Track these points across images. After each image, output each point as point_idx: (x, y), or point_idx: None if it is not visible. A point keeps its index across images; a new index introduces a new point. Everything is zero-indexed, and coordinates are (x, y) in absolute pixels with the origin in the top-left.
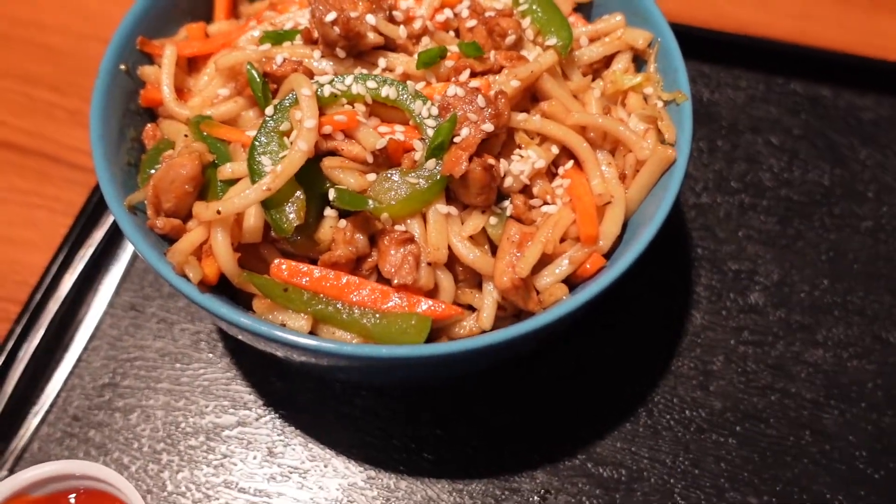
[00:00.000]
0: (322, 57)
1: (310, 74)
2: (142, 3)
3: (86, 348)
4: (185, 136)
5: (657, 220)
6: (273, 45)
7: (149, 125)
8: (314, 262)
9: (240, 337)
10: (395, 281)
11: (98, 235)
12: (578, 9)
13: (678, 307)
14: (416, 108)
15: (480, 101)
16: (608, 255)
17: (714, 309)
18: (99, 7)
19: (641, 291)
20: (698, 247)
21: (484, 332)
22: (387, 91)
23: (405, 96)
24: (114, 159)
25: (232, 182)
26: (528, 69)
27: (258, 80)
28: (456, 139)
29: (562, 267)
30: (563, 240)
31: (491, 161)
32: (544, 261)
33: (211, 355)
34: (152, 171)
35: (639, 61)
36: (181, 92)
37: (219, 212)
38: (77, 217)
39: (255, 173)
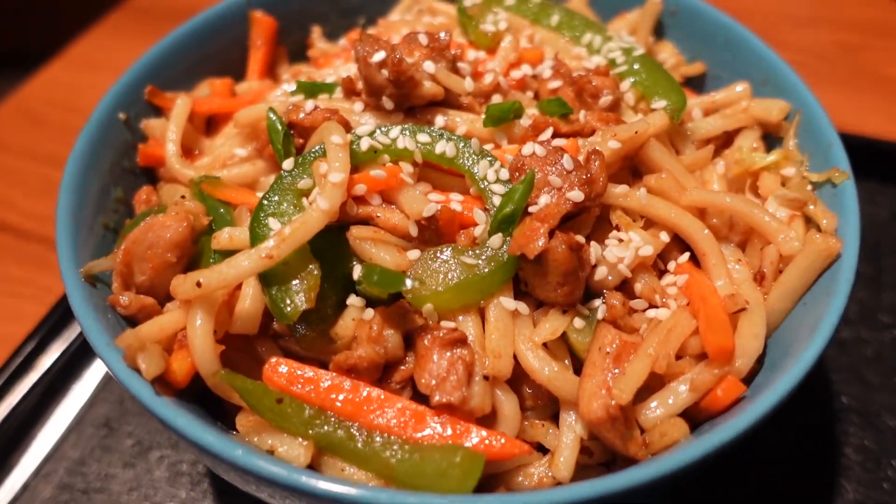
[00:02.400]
0: (364, 110)
1: (347, 127)
2: (159, 48)
3: (36, 473)
4: (182, 196)
5: (821, 337)
6: (307, 97)
7: (144, 188)
8: (327, 366)
9: (205, 462)
10: (437, 398)
11: (74, 331)
12: (688, 83)
13: (821, 472)
14: (480, 169)
15: (567, 162)
16: (746, 384)
17: (871, 480)
18: None
19: (773, 444)
20: (843, 394)
21: (559, 483)
22: (443, 147)
23: (466, 154)
24: (84, 216)
25: (229, 255)
26: (631, 128)
27: (279, 129)
28: (532, 209)
29: (679, 394)
30: (679, 356)
31: (579, 239)
32: (652, 385)
33: (192, 493)
34: None
35: (770, 140)
36: (191, 153)
37: (199, 284)
38: (54, 307)
39: (257, 238)
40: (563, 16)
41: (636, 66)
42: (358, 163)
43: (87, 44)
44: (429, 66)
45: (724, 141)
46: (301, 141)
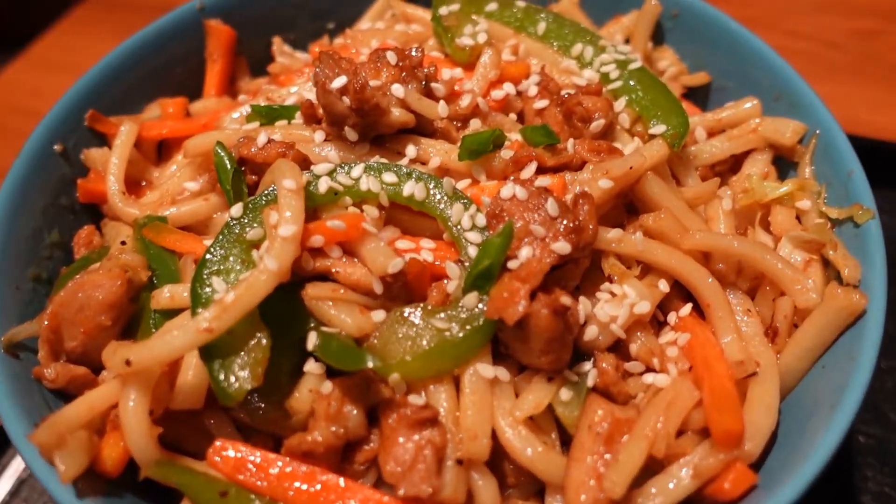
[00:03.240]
0: (326, 140)
1: (305, 162)
2: (103, 66)
3: None
4: (123, 242)
5: (844, 415)
6: (263, 123)
7: (85, 228)
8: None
9: None
10: (402, 491)
11: None
12: (690, 95)
13: None
14: (454, 214)
15: (551, 207)
16: (757, 465)
17: None
18: None
19: None
20: (860, 433)
21: None
22: (411, 188)
23: (438, 197)
24: (7, 270)
25: (172, 314)
26: (625, 164)
27: (228, 167)
28: (511, 263)
29: (680, 480)
30: (680, 432)
31: (565, 300)
32: (651, 467)
33: None
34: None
35: (783, 164)
36: (138, 186)
37: (128, 363)
38: None
39: (197, 301)
40: (551, 22)
41: (632, 83)
42: (316, 205)
43: (50, 42)
44: (397, 89)
45: (732, 164)
46: (254, 177)
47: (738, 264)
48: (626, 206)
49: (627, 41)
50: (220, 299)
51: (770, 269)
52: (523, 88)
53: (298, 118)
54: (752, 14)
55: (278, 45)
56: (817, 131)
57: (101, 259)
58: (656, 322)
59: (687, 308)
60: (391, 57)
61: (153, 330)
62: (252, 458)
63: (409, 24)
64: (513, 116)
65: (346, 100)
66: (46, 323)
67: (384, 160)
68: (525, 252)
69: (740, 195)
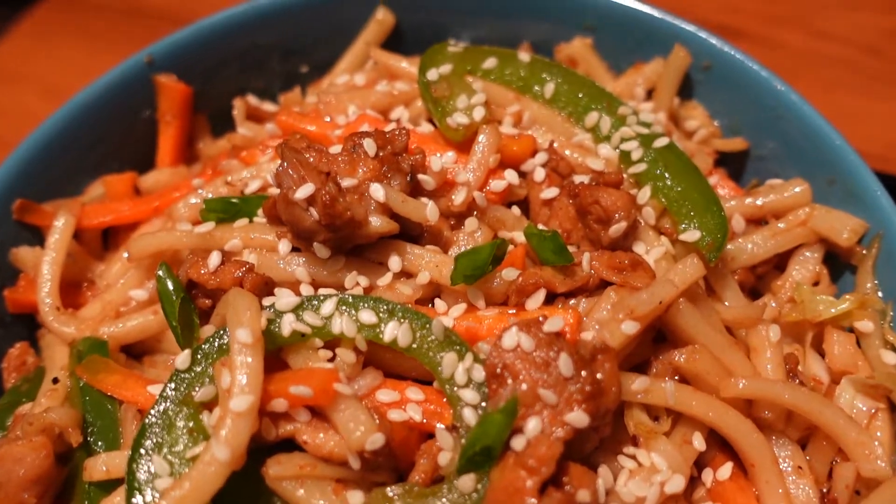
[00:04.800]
0: (293, 251)
1: (267, 286)
2: (32, 141)
3: None
4: (55, 381)
5: None
6: (219, 222)
7: (16, 346)
8: None
9: None
10: None
11: None
12: (723, 160)
13: None
14: (446, 366)
15: (564, 364)
16: None
17: None
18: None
19: None
20: None
21: None
22: (393, 332)
23: (426, 342)
24: None
25: (109, 486)
26: (652, 299)
27: (173, 298)
28: (516, 441)
29: None
30: None
31: (583, 497)
32: None
33: None
34: None
35: (835, 263)
36: (79, 290)
37: None
38: None
39: (133, 489)
40: (562, 82)
41: (659, 168)
42: (280, 346)
43: (6, 49)
44: (377, 191)
45: (777, 261)
46: (208, 302)
47: (788, 412)
48: (654, 334)
49: (650, 93)
50: (169, 495)
51: (829, 427)
52: (528, 169)
53: (260, 215)
54: (778, 12)
55: (239, 109)
56: (881, 232)
57: (33, 389)
58: (690, 478)
59: (727, 469)
60: (369, 146)
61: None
62: None
63: (392, 81)
64: (516, 210)
65: (313, 212)
66: None
67: (360, 280)
68: (533, 425)
69: (787, 305)
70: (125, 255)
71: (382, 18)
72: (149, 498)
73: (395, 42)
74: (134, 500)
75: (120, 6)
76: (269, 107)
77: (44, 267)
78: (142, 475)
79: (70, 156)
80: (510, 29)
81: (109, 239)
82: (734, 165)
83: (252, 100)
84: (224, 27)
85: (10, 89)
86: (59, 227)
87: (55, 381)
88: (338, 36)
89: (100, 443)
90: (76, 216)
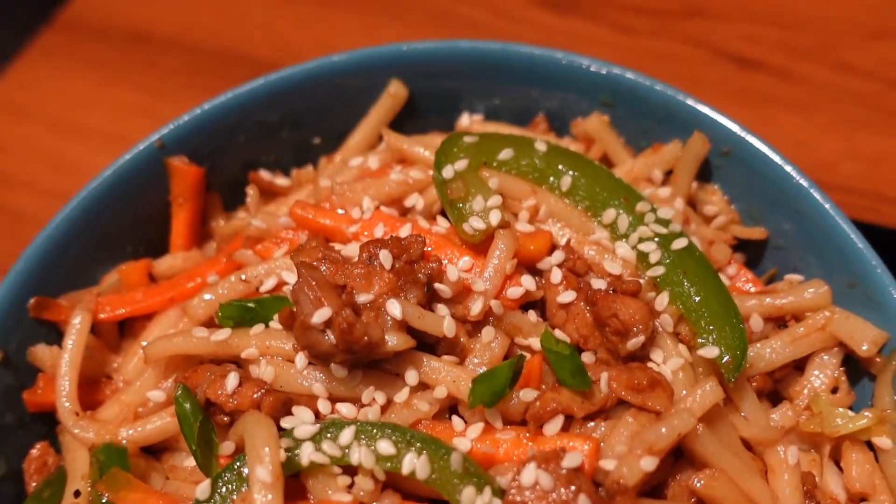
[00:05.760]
0: (310, 364)
1: (286, 404)
2: (44, 239)
3: None
4: (76, 494)
5: None
6: (234, 326)
7: (36, 447)
8: None
9: None
10: None
11: None
12: (741, 247)
13: None
14: (465, 498)
15: (583, 503)
16: None
17: None
18: (82, 157)
19: None
20: None
21: None
22: (412, 464)
23: (445, 475)
24: None
25: None
26: (672, 432)
27: (191, 421)
28: None
29: None
30: None
31: None
32: None
33: None
34: None
35: (854, 365)
36: (97, 386)
37: None
38: None
39: None
40: (579, 175)
41: (678, 274)
42: (298, 471)
43: (11, 80)
44: (394, 308)
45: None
46: (226, 419)
47: None
48: (672, 457)
49: (668, 175)
50: None
51: None
52: (545, 268)
53: (276, 321)
54: (799, 41)
55: (253, 198)
56: None
57: (56, 499)
58: None
59: None
60: (385, 258)
61: None
62: None
63: (406, 168)
64: (532, 315)
65: (330, 336)
66: None
67: (379, 394)
68: None
69: (805, 413)
70: (141, 351)
71: (395, 92)
72: None
73: (409, 111)
74: None
75: (125, 31)
76: (281, 181)
77: (62, 369)
78: None
79: (83, 246)
80: (526, 100)
81: (126, 328)
82: (752, 253)
83: (265, 175)
84: (233, 106)
85: (16, 124)
86: (76, 327)
87: (76, 494)
88: (350, 107)
89: None
90: (92, 311)
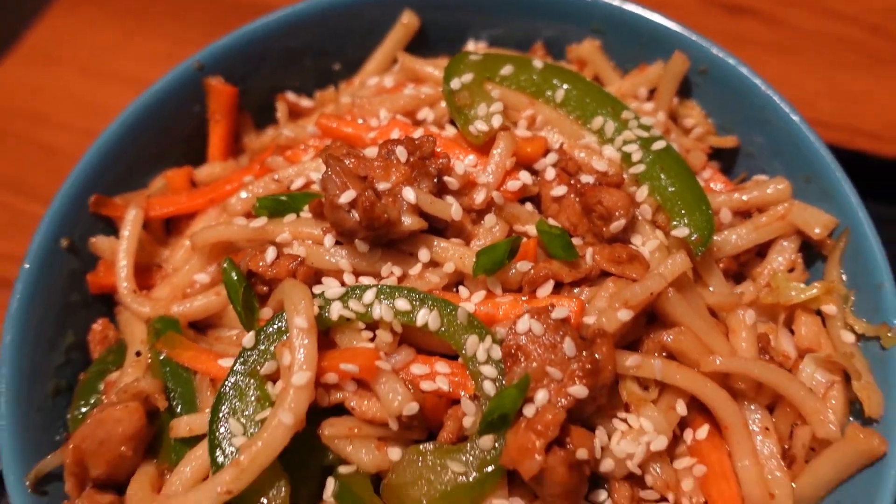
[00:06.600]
0: (336, 244)
1: (316, 276)
2: (100, 145)
3: None
4: (138, 353)
5: None
6: (270, 216)
7: (98, 322)
8: None
9: None
10: None
11: None
12: (716, 155)
13: None
14: (468, 347)
15: (568, 347)
16: None
17: None
18: (111, 100)
19: None
20: None
21: None
22: (424, 317)
23: (452, 327)
24: (30, 399)
25: (191, 441)
26: (644, 290)
27: (237, 287)
28: (527, 409)
29: None
30: None
31: (581, 454)
32: None
33: None
34: (85, 411)
35: (810, 252)
36: (149, 271)
37: None
38: None
39: (214, 444)
40: (571, 87)
41: (656, 170)
42: (329, 327)
43: (41, 32)
44: (409, 194)
45: (757, 249)
46: (265, 289)
47: (758, 383)
48: (647, 316)
49: (652, 92)
50: (237, 461)
51: (792, 397)
52: (540, 167)
53: (306, 211)
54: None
55: (282, 111)
56: (848, 227)
57: (118, 360)
58: (673, 436)
59: (704, 430)
60: (401, 153)
61: (173, 456)
62: None
63: (419, 86)
64: (529, 206)
65: (355, 214)
66: (70, 458)
67: (395, 270)
68: (541, 396)
69: (764, 290)
70: (187, 242)
71: (408, 22)
72: (228, 452)
73: (420, 40)
74: (216, 453)
75: None
76: (305, 103)
77: (120, 255)
78: (221, 434)
79: (134, 153)
80: (525, 29)
81: (171, 226)
82: (726, 160)
83: (290, 97)
84: (262, 32)
85: (49, 70)
86: (130, 219)
87: (138, 353)
88: (367, 36)
89: (180, 406)
90: (143, 208)
